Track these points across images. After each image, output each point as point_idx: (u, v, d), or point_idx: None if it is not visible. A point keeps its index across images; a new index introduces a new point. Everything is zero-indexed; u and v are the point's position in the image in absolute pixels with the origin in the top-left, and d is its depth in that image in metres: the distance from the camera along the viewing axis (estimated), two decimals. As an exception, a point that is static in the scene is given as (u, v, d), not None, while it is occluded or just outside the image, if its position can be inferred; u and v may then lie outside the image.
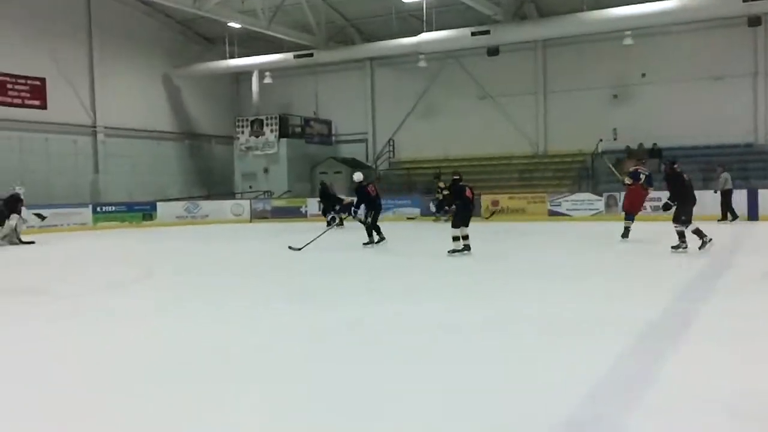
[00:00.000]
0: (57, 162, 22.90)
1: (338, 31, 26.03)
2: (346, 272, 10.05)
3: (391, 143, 27.96)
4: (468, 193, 11.38)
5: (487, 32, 21.29)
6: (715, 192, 17.37)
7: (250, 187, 27.18)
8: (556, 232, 16.17)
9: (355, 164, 27.63)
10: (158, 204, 23.64)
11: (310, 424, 3.51)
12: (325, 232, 13.80)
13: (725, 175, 17.42)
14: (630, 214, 13.16)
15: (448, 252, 10.97)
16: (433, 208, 21.07)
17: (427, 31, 22.23)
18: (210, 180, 28.64)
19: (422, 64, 24.59)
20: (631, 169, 13.28)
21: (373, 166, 27.83)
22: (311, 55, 24.83)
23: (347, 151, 28.75)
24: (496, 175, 24.39)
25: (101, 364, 4.86)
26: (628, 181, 13.09)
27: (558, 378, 4.18)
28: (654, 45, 22.68)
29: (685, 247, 10.37)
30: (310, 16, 23.68)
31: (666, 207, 10.78)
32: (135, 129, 25.90)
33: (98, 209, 22.04)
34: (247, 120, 27.58)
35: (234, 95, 30.80)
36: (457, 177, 11.74)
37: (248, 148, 27.37)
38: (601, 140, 21.04)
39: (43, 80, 22.75)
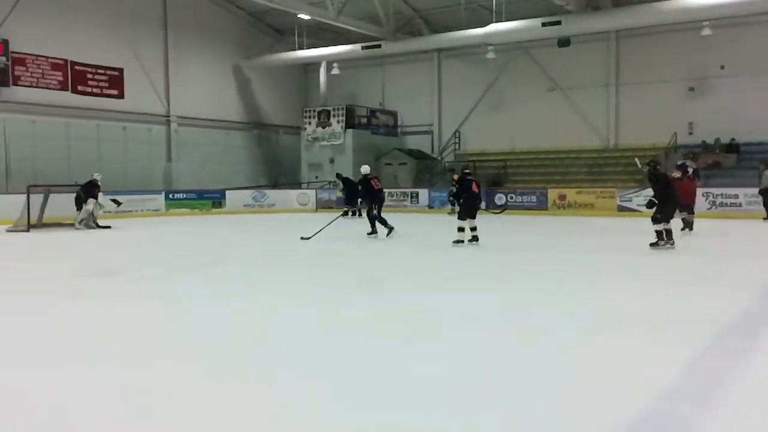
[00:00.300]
0: (132, 150, 23.71)
1: (406, 22, 25.99)
2: (413, 262, 10.06)
3: (457, 135, 27.80)
4: (474, 187, 11.85)
5: (558, 23, 20.86)
6: (759, 191, 16.85)
7: (316, 177, 27.50)
8: (622, 228, 15.75)
9: (420, 156, 27.63)
10: (227, 192, 24.21)
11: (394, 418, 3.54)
12: (333, 221, 14.19)
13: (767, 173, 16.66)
14: (687, 206, 13.24)
15: (453, 242, 11.48)
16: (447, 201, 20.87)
17: (496, 22, 21.95)
18: (277, 169, 29.13)
19: (490, 55, 24.30)
20: (679, 162, 13.47)
21: (438, 158, 27.75)
22: (379, 46, 24.90)
23: (412, 142, 28.74)
24: (563, 169, 23.94)
25: (187, 345, 5.03)
26: (676, 174, 13.02)
27: (635, 376, 4.08)
28: (734, 36, 21.74)
29: (664, 244, 10.70)
30: (378, 8, 23.72)
31: (650, 204, 11.07)
32: (206, 119, 26.57)
33: (170, 196, 22.76)
34: (314, 110, 27.89)
35: (302, 86, 31.20)
36: (467, 171, 12.39)
37: (315, 139, 27.68)
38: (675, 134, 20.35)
39: (121, 71, 23.60)
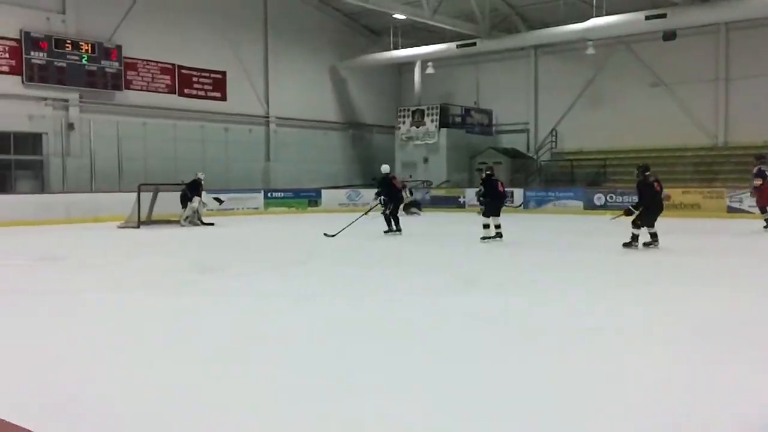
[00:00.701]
0: (234, 150, 24.57)
1: (502, 20, 25.62)
2: (507, 261, 9.92)
3: (554, 133, 27.16)
4: (500, 187, 12.60)
5: (663, 15, 20.00)
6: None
7: (410, 176, 27.57)
8: (736, 229, 14.91)
9: (515, 154, 27.19)
10: (323, 191, 24.68)
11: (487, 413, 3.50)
12: (356, 220, 14.46)
13: None
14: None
15: (481, 238, 12.23)
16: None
17: (596, 16, 21.29)
18: (371, 169, 29.38)
19: (590, 50, 23.60)
20: (754, 170, 14.19)
21: (534, 157, 27.22)
22: (474, 44, 24.69)
23: (508, 141, 28.32)
24: (666, 168, 22.90)
25: (282, 342, 5.17)
26: (757, 182, 13.98)
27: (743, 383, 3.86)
28: None
29: (637, 245, 11.00)
30: (474, 5, 23.50)
31: (628, 212, 11.39)
32: (303, 119, 27.18)
33: (269, 195, 23.45)
34: (408, 110, 27.98)
35: (396, 86, 31.38)
36: (490, 172, 12.99)
37: (409, 138, 27.77)
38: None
39: (224, 74, 24.53)
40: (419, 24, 24.30)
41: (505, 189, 13.59)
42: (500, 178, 25.58)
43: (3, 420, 0.68)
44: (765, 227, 13.87)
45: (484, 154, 27.00)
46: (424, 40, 26.31)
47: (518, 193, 23.14)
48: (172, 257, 11.08)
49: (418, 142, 27.44)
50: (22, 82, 19.54)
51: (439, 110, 27.10)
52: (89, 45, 20.68)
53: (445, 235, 15.31)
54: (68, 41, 20.27)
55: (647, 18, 20.28)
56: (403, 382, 4.06)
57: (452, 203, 24.15)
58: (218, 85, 24.47)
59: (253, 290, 7.63)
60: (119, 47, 21.42)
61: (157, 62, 22.68)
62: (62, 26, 20.35)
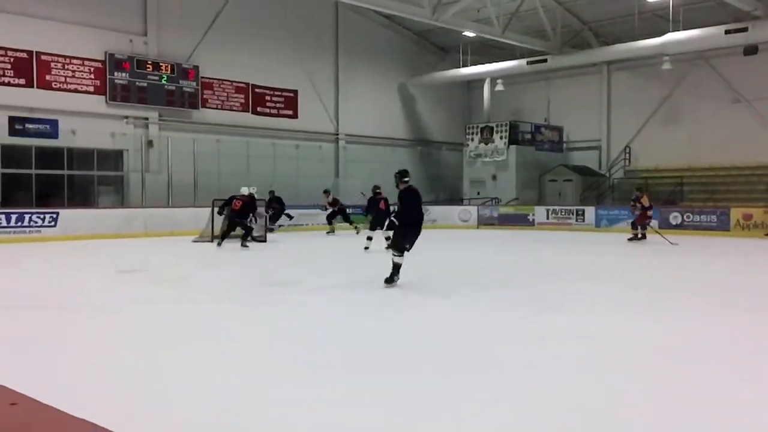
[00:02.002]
0: (304, 166, 24.98)
1: (574, 36, 25.29)
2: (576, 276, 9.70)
3: (627, 151, 26.51)
4: (383, 205, 14.06)
5: (744, 29, 19.32)
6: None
7: (478, 193, 27.41)
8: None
9: (586, 172, 26.67)
10: (391, 208, 24.71)
11: None
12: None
13: None
14: None
15: (365, 249, 14.04)
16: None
17: (673, 31, 20.74)
18: (439, 185, 29.39)
19: (666, 66, 22.97)
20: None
21: (607, 174, 26.62)
22: (545, 60, 24.44)
23: (579, 158, 27.82)
24: (748, 186, 22.04)
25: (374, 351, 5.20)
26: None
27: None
28: None
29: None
30: (545, 22, 23.29)
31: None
32: (372, 136, 27.44)
33: (339, 211, 23.65)
34: (477, 127, 27.87)
35: (465, 103, 31.34)
36: (378, 191, 14.69)
37: (477, 155, 27.63)
38: None
39: (295, 92, 25.06)
40: (489, 41, 24.25)
41: (389, 206, 14.81)
42: (570, 196, 25.50)
43: (96, 425, 0.70)
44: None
45: (555, 172, 26.60)
46: (493, 57, 26.21)
47: (590, 212, 22.64)
48: (247, 270, 11.32)
49: (487, 159, 27.26)
50: (106, 101, 20.46)
51: (508, 127, 26.88)
52: (169, 66, 21.50)
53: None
54: (149, 62, 21.13)
55: (727, 32, 19.63)
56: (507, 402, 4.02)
57: (521, 221, 23.83)
58: (290, 103, 25.01)
59: (331, 303, 7.70)
60: (197, 67, 22.18)
61: (232, 81, 23.37)
62: (144, 48, 21.24)
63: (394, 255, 8.96)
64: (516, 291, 8.88)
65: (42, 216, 17.62)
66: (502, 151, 26.80)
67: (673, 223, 20.23)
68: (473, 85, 30.33)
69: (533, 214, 23.79)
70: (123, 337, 5.97)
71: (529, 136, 27.50)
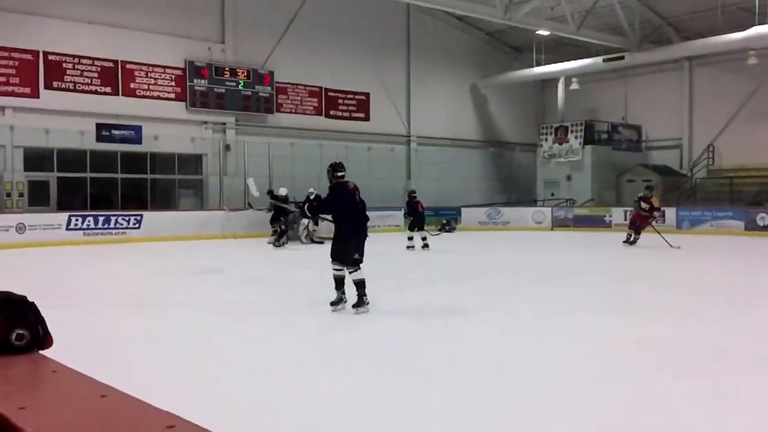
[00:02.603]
0: (376, 168, 25.13)
1: (653, 31, 24.49)
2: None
3: (711, 149, 25.48)
4: (420, 208, 15.31)
5: (838, 19, 18.26)
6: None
7: (552, 194, 26.91)
8: None
9: (666, 172, 25.79)
10: (462, 209, 24.64)
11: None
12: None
13: None
14: None
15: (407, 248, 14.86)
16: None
17: (759, 24, 19.80)
18: (512, 187, 29.03)
19: (752, 60, 21.95)
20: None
21: (688, 174, 25.67)
22: (622, 57, 23.76)
23: (658, 157, 26.92)
24: (844, 187, 20.81)
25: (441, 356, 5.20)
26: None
27: None
28: None
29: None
30: (622, 18, 22.64)
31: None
32: (443, 138, 27.35)
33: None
34: (551, 127, 27.39)
35: (539, 102, 30.84)
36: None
37: (551, 156, 27.15)
38: None
39: (367, 95, 25.27)
40: (563, 39, 23.78)
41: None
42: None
43: (179, 417, 0.75)
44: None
45: (633, 172, 25.83)
46: (568, 55, 25.69)
47: (670, 213, 21.87)
48: (320, 271, 11.47)
49: (561, 160, 26.74)
50: (186, 107, 21.18)
51: (583, 126, 26.29)
52: (245, 72, 22.07)
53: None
54: (227, 69, 21.75)
55: (819, 23, 18.61)
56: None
57: (597, 222, 23.24)
58: (362, 106, 25.24)
59: (399, 306, 7.74)
60: (272, 73, 22.68)
61: (306, 86, 23.78)
62: (222, 55, 21.87)
63: (336, 269, 7.32)
64: (600, 293, 8.68)
65: (127, 218, 18.44)
66: (577, 151, 26.23)
67: (761, 225, 19.33)
68: (547, 84, 29.81)
69: (610, 216, 23.16)
70: (205, 335, 6.17)
71: (605, 136, 26.81)
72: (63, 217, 17.60)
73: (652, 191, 16.83)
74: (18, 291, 1.13)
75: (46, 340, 1.08)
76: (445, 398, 4.11)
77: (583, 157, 26.03)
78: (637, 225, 16.20)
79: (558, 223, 24.21)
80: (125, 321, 5.80)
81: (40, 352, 1.07)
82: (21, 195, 18.18)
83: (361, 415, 3.83)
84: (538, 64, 26.79)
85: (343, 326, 6.64)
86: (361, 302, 7.11)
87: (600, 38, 23.12)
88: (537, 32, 23.93)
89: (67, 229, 17.46)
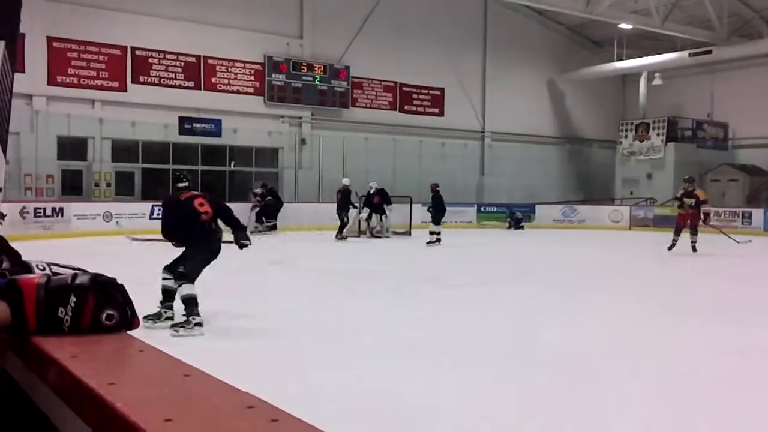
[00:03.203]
0: (449, 164, 25.02)
1: (743, 25, 23.39)
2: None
3: (803, 149, 24.17)
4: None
5: None
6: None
7: (631, 193, 26.14)
8: None
9: (755, 172, 24.64)
10: (536, 206, 24.25)
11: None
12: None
13: None
14: None
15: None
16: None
17: None
18: (588, 185, 28.35)
19: None
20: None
21: (778, 175, 24.45)
22: (709, 52, 22.79)
23: (746, 156, 25.71)
24: None
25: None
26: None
27: None
28: None
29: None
30: (710, 11, 21.72)
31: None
32: (518, 134, 26.94)
33: (482, 209, 23.55)
34: (631, 123, 26.59)
35: (619, 98, 29.97)
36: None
37: (631, 153, 26.36)
38: None
39: (442, 90, 25.18)
40: (647, 33, 23.01)
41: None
42: (735, 197, 23.75)
43: (260, 399, 0.76)
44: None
45: (718, 171, 24.80)
46: (650, 50, 24.82)
47: (758, 214, 20.87)
48: (391, 265, 11.55)
49: (642, 158, 25.93)
50: (264, 101, 21.65)
51: (666, 123, 25.40)
52: (322, 66, 22.38)
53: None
54: (304, 63, 22.11)
55: None
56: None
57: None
58: (436, 101, 25.17)
59: (477, 299, 7.71)
60: (348, 68, 22.90)
61: (381, 81, 23.90)
62: (299, 50, 22.24)
63: (182, 285, 6.09)
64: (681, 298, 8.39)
65: (206, 209, 18.99)
66: (659, 148, 25.37)
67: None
68: (628, 79, 28.91)
69: (692, 216, 22.27)
70: (285, 323, 6.31)
71: (689, 133, 25.84)
72: (147, 206, 18.32)
73: (693, 183, 14.70)
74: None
75: (132, 321, 1.12)
76: (544, 401, 4.07)
77: (665, 154, 25.16)
78: (681, 227, 14.07)
79: (636, 223, 23.48)
80: (203, 307, 6.00)
81: (127, 332, 1.12)
82: (108, 185, 19.03)
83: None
84: (620, 59, 26.00)
85: (416, 315, 6.64)
86: (184, 323, 5.92)
87: (686, 32, 22.27)
88: (619, 26, 23.25)
89: (151, 218, 18.16)
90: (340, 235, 16.80)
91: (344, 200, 17.42)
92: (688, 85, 26.95)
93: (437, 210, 15.97)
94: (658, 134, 25.50)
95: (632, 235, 21.22)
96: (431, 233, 15.71)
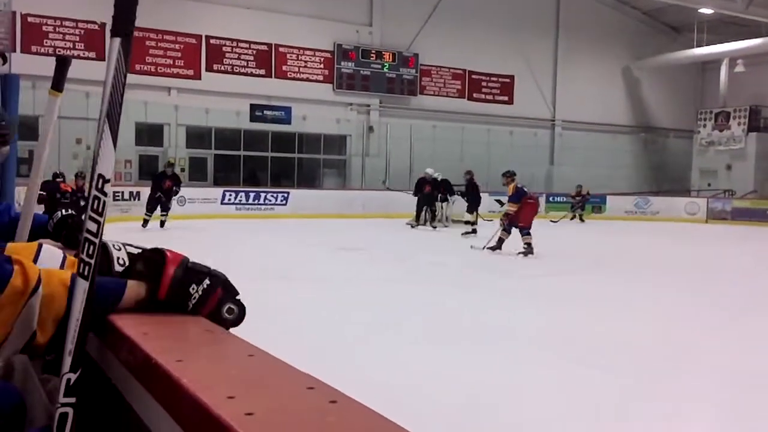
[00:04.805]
0: (518, 153, 24.58)
1: (836, 7, 22.07)
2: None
3: None
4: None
5: None
6: None
7: (709, 184, 25.16)
8: None
9: None
10: (608, 197, 23.63)
11: None
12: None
13: None
14: None
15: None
16: None
17: None
18: (663, 175, 27.40)
19: None
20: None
21: None
22: (798, 37, 21.65)
23: (836, 147, 24.35)
24: None
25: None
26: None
27: None
28: None
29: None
30: (799, -7, 20.61)
31: None
32: (590, 122, 26.25)
33: (551, 199, 23.12)
34: (710, 112, 25.56)
35: (697, 86, 28.78)
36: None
37: (709, 143, 25.36)
38: None
39: (511, 77, 24.78)
40: (729, 18, 22.00)
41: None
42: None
43: (320, 380, 0.79)
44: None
45: (802, 162, 23.60)
46: (733, 36, 23.72)
47: None
48: (454, 257, 11.49)
49: (721, 148, 24.92)
50: (333, 89, 21.83)
51: (748, 112, 24.31)
52: (391, 54, 22.38)
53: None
54: (373, 51, 22.16)
55: None
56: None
57: (760, 216, 21.45)
58: (506, 89, 24.79)
59: (544, 291, 7.62)
60: (416, 55, 22.82)
61: (450, 68, 23.71)
62: (369, 38, 22.29)
63: None
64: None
65: (275, 195, 19.43)
66: (740, 138, 24.32)
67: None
68: (708, 66, 27.72)
69: (775, 209, 21.33)
70: (349, 308, 6.40)
71: (773, 123, 24.65)
72: (218, 192, 18.83)
73: None
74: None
75: (242, 319, 1.19)
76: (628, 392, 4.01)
77: (746, 145, 24.11)
78: None
79: (714, 216, 22.62)
80: (275, 292, 6.14)
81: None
82: (183, 170, 19.62)
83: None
84: (699, 45, 24.96)
85: (496, 306, 6.60)
86: None
87: (772, 16, 21.19)
88: (699, 10, 22.32)
89: (222, 203, 18.66)
90: (433, 224, 16.86)
91: (433, 191, 17.12)
92: (773, 72, 25.66)
93: (472, 198, 15.59)
94: (738, 123, 24.44)
95: (709, 228, 20.45)
96: (466, 223, 15.33)
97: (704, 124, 25.58)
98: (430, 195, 17.08)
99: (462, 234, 14.70)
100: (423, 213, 17.21)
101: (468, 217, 15.39)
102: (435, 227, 16.87)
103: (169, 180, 14.46)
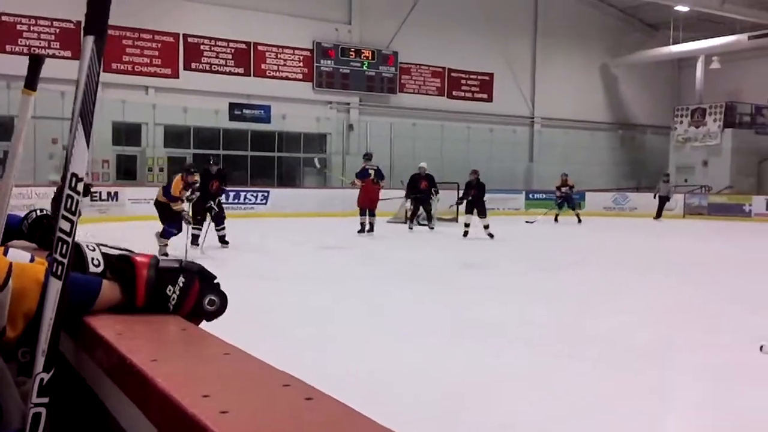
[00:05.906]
0: (497, 150, 24.75)
1: (808, 5, 22.44)
2: None
3: None
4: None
5: None
6: None
7: (686, 180, 25.43)
8: None
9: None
10: (587, 194, 23.82)
11: None
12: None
13: None
14: None
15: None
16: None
17: None
18: (640, 172, 27.70)
19: None
20: None
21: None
22: (770, 34, 21.96)
23: (810, 143, 24.76)
24: None
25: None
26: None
27: None
28: None
29: None
30: (772, -9, 20.92)
31: None
32: (568, 119, 26.46)
33: (530, 196, 23.27)
34: (687, 109, 25.84)
35: (674, 83, 29.13)
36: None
37: (686, 139, 25.64)
38: None
39: (491, 75, 24.90)
40: (704, 15, 22.27)
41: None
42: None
43: (294, 376, 0.79)
44: None
45: (778, 158, 23.96)
46: (708, 33, 24.01)
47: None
48: (439, 252, 11.53)
49: (697, 144, 25.21)
50: (313, 87, 21.77)
51: (724, 109, 24.60)
52: (370, 52, 22.37)
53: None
54: (352, 49, 22.13)
55: None
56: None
57: (735, 211, 21.76)
58: (485, 86, 24.90)
59: (525, 288, 7.65)
60: (396, 53, 22.83)
61: (429, 66, 23.76)
62: (348, 36, 22.26)
63: None
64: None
65: (255, 194, 19.34)
66: (716, 134, 24.61)
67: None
68: (684, 63, 28.05)
69: (750, 205, 21.63)
70: (331, 306, 6.39)
71: (748, 119, 25.02)
72: (197, 191, 18.68)
73: None
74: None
75: (225, 309, 1.18)
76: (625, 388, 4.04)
77: (722, 141, 24.40)
78: None
79: (690, 211, 22.91)
80: (256, 291, 6.12)
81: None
82: (161, 170, 19.45)
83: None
84: (675, 42, 25.26)
85: (490, 302, 6.62)
86: None
87: (747, 14, 21.51)
88: (675, 8, 22.57)
89: (202, 203, 18.52)
90: (432, 225, 15.90)
91: (430, 186, 15.92)
92: (747, 69, 25.97)
93: (481, 202, 14.70)
94: (714, 120, 24.74)
95: (685, 223, 20.71)
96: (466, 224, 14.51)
97: (681, 121, 25.87)
98: (427, 192, 15.90)
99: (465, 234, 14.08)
100: (415, 210, 16.18)
101: (483, 221, 13.87)
102: (432, 228, 15.96)
103: (215, 179, 10.77)
